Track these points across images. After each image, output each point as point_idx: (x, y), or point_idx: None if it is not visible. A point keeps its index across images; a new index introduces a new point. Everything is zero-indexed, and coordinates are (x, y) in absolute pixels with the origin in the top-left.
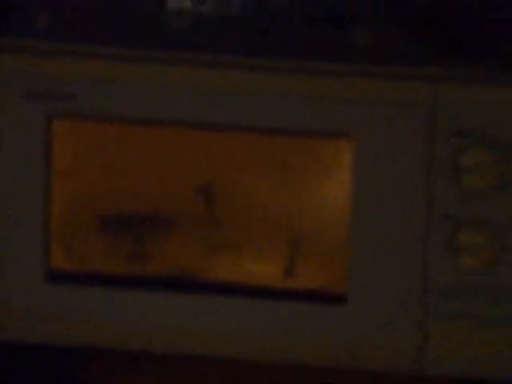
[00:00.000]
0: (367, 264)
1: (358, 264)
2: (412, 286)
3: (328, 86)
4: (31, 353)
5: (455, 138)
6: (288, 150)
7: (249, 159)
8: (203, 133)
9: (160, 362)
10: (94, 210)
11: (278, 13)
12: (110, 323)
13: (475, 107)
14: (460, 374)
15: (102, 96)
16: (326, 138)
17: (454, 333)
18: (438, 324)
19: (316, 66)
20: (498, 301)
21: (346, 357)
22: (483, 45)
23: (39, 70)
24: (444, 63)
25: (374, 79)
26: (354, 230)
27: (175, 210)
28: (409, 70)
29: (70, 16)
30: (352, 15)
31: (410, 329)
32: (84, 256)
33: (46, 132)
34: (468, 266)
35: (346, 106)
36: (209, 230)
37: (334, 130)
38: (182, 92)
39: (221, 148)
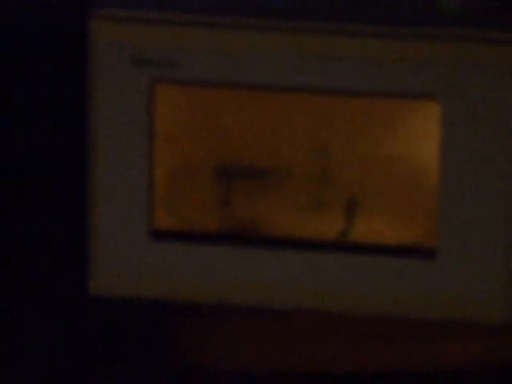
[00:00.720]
0: (456, 219)
1: (447, 220)
2: (502, 238)
3: (417, 48)
4: (133, 309)
5: None
6: (377, 112)
7: (341, 122)
8: (305, 96)
9: (255, 317)
10: (197, 171)
11: None
12: (210, 279)
13: None
14: None
15: (205, 63)
16: (414, 100)
17: None
18: None
19: (406, 30)
20: None
21: (435, 310)
22: None
23: (144, 37)
24: None
25: (459, 42)
26: (443, 188)
27: (275, 170)
28: (495, 33)
29: None
30: None
31: (500, 281)
32: (186, 215)
33: (149, 98)
34: None
35: (432, 69)
36: (306, 187)
37: (421, 92)
38: (286, 58)
39: (319, 111)
